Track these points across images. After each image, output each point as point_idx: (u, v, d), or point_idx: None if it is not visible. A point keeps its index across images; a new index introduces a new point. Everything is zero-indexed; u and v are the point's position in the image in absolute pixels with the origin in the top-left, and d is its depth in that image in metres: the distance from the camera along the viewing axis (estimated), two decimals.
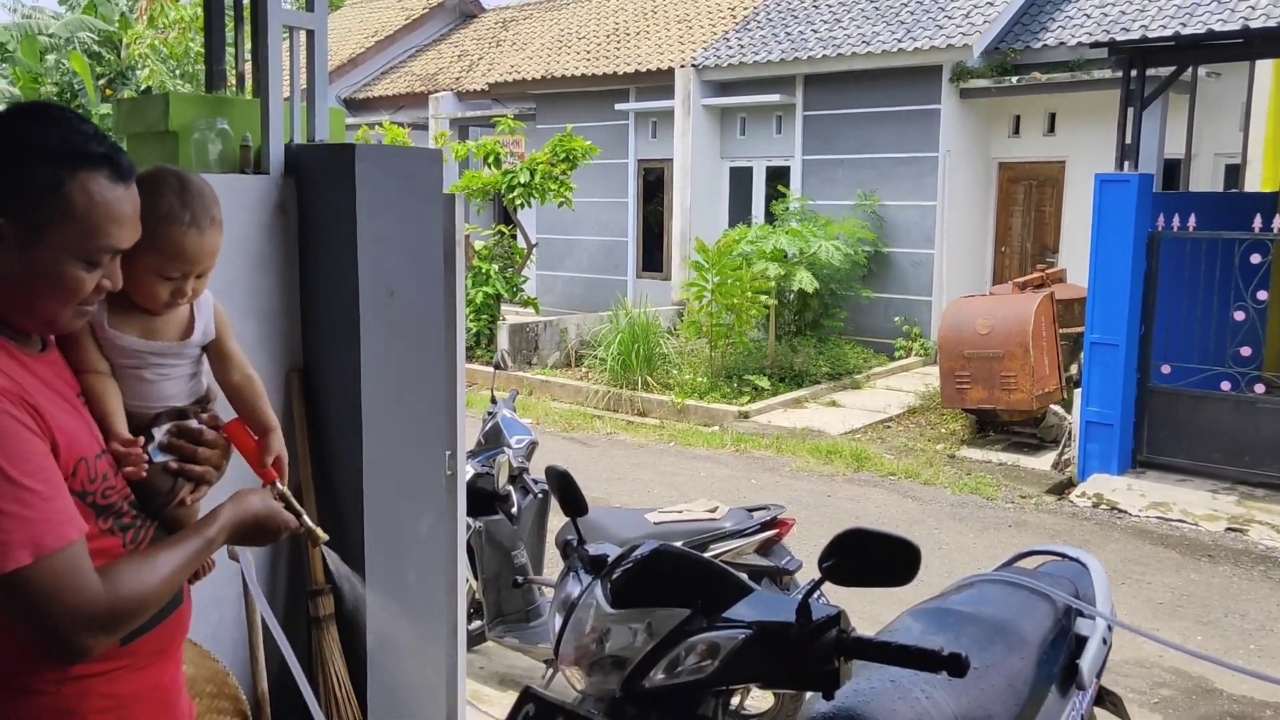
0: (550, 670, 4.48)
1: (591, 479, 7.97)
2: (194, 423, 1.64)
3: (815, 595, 1.66)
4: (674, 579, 1.78)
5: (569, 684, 1.84)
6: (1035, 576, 2.66)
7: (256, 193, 2.88)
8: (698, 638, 1.67)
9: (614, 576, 1.79)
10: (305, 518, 1.64)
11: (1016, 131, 13.21)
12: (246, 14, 3.22)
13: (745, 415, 10.36)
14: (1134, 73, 7.97)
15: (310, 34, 3.06)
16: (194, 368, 1.68)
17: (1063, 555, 2.91)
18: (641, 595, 1.74)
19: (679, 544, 4.02)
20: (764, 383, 11.08)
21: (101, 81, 19.23)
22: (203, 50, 13.80)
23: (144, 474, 1.53)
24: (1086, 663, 2.40)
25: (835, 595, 2.38)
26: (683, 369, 11.54)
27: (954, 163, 12.88)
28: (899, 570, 1.58)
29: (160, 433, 1.61)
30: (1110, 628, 2.57)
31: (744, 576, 1.84)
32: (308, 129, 3.10)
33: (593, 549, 1.90)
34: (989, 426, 9.67)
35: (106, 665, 1.48)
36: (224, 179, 2.89)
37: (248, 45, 3.38)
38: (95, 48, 19.40)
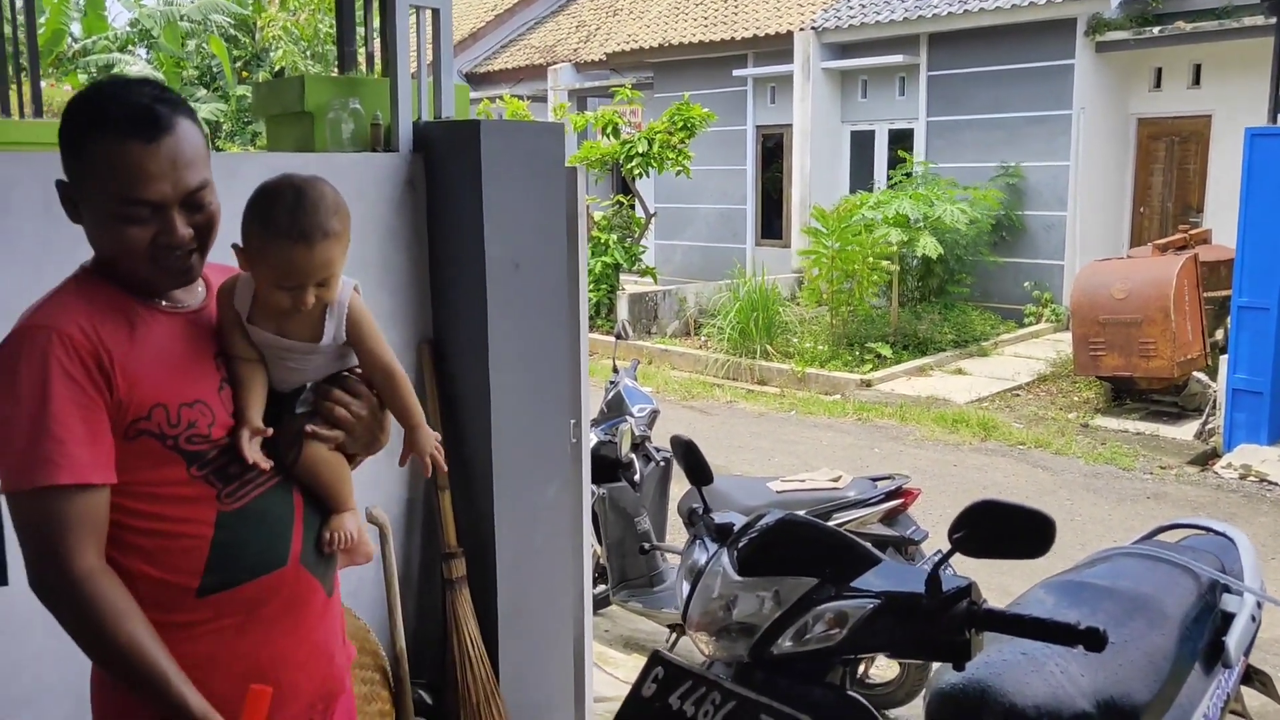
0: (674, 635, 4.54)
1: (712, 447, 7.98)
2: (347, 373, 1.70)
3: (944, 567, 1.64)
4: (800, 548, 1.78)
5: (697, 648, 1.86)
6: (1177, 550, 2.56)
7: (387, 170, 2.97)
8: (826, 606, 1.67)
9: (740, 545, 1.81)
10: None
11: (1158, 85, 12.54)
12: None
13: (867, 383, 10.20)
14: None
15: (436, 13, 3.12)
16: (332, 358, 1.70)
17: (1207, 529, 2.78)
18: (768, 564, 1.75)
19: (802, 513, 4.02)
20: (886, 350, 10.89)
21: (238, 64, 20.01)
22: (331, 31, 14.21)
23: (252, 459, 1.58)
24: (1233, 640, 2.30)
25: (963, 566, 2.35)
26: (803, 337, 11.43)
27: (1088, 120, 12.32)
28: (1032, 543, 1.54)
29: (310, 389, 1.68)
30: (1260, 604, 2.45)
31: (870, 546, 1.82)
32: (435, 106, 3.17)
33: (718, 517, 1.91)
34: (1125, 395, 9.29)
35: (185, 615, 1.54)
36: (356, 158, 2.99)
37: (376, 25, 3.48)
38: (231, 31, 20.16)
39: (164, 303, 1.59)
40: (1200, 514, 6.53)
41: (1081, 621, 1.50)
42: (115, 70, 18.85)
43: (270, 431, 1.61)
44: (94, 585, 1.44)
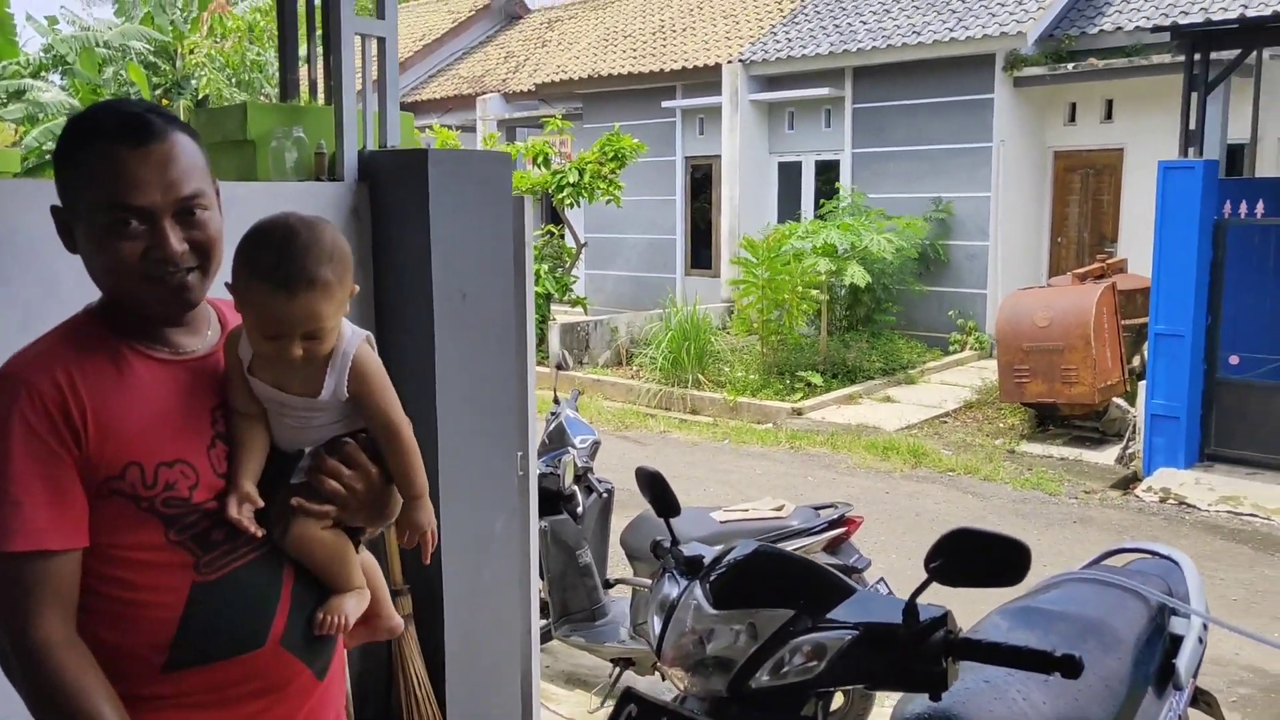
0: (617, 669, 4.49)
1: None
2: (348, 439, 1.56)
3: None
4: (774, 580, 1.77)
5: (672, 683, 1.83)
6: (1125, 574, 2.62)
7: (331, 199, 2.91)
8: (803, 639, 1.66)
9: (712, 578, 1.79)
10: None
11: (1072, 119, 12.99)
12: (319, 23, 3.26)
13: (799, 412, 10.30)
14: (1197, 57, 7.81)
15: (381, 41, 3.09)
16: (337, 416, 1.55)
17: (1152, 553, 2.85)
18: (743, 596, 1.74)
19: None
20: (816, 379, 11.01)
21: (158, 92, 19.55)
22: (258, 58, 13.91)
23: (242, 525, 1.47)
24: (1183, 662, 2.36)
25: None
26: (734, 366, 11.51)
27: (1008, 153, 12.70)
28: (1008, 571, 1.56)
29: (308, 455, 1.54)
30: (1206, 626, 2.52)
31: (844, 577, 1.83)
32: (380, 135, 3.13)
33: (688, 550, 1.90)
34: (1049, 420, 9.53)
35: (149, 689, 1.43)
36: (300, 187, 2.93)
37: (300, 51, 3.42)
38: (151, 58, 19.73)
39: (164, 349, 1.49)
40: (1125, 538, 6.70)
41: (1056, 649, 1.52)
42: (28, 96, 18.30)
43: (260, 503, 1.48)
44: (52, 658, 1.34)
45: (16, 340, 1.50)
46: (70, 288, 1.56)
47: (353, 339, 1.53)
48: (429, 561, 1.61)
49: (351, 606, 1.57)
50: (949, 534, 1.59)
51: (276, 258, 1.43)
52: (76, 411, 1.37)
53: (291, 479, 1.52)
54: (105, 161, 1.39)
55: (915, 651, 1.58)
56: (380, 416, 1.55)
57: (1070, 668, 1.50)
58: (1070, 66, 12.20)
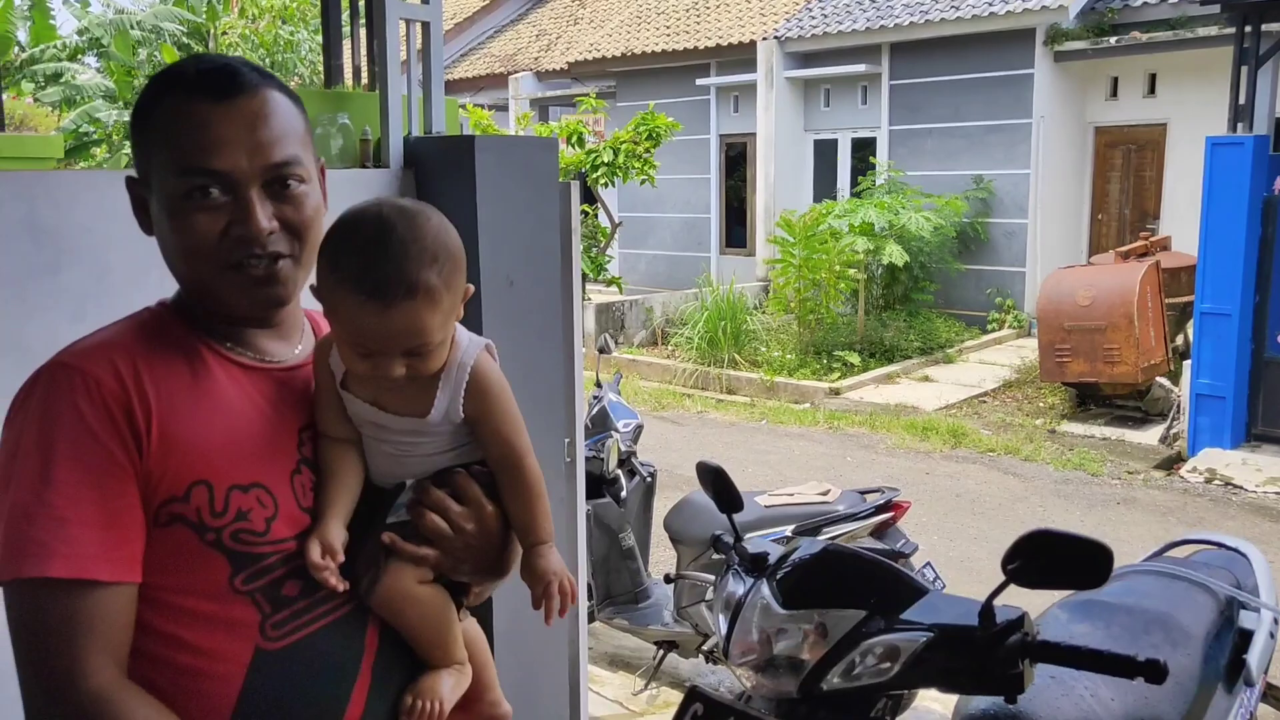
0: (660, 652, 4.50)
1: (685, 459, 7.96)
2: (459, 469, 1.29)
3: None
4: (844, 579, 1.74)
5: (739, 682, 1.82)
6: (1191, 566, 2.56)
7: (377, 187, 2.89)
8: (876, 640, 1.63)
9: (779, 577, 1.77)
10: None
11: (1114, 94, 12.75)
12: (362, 8, 3.24)
13: (836, 392, 10.24)
14: (1248, 29, 7.62)
15: (426, 26, 3.06)
16: (447, 443, 1.28)
17: (1218, 543, 2.80)
18: (812, 596, 1.71)
19: (791, 528, 4.00)
20: (854, 358, 10.94)
21: None
22: (291, 38, 13.93)
23: (323, 577, 1.19)
24: (1254, 657, 2.31)
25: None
26: (770, 346, 11.45)
27: (1048, 129, 12.49)
28: (1088, 572, 1.52)
29: (409, 488, 1.29)
30: (1277, 620, 2.46)
31: (916, 577, 1.79)
32: (425, 121, 3.10)
33: (752, 547, 1.87)
34: (1090, 400, 9.40)
35: None
36: (345, 174, 2.91)
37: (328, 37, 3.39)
38: (184, 39, 19.84)
39: (248, 352, 1.26)
40: (1170, 519, 6.61)
41: (1139, 653, 1.48)
42: (65, 79, 18.47)
43: (341, 556, 1.19)
44: (114, 709, 1.07)
45: (70, 333, 1.31)
46: (120, 281, 1.41)
47: (470, 348, 1.28)
48: (564, 616, 1.32)
49: (448, 688, 1.27)
50: (1027, 535, 1.55)
51: (367, 259, 1.16)
52: (140, 412, 1.12)
53: (388, 518, 1.26)
54: (182, 118, 1.17)
55: (991, 654, 1.55)
56: (502, 444, 1.28)
57: (1155, 673, 1.46)
58: (1112, 40, 11.96)
